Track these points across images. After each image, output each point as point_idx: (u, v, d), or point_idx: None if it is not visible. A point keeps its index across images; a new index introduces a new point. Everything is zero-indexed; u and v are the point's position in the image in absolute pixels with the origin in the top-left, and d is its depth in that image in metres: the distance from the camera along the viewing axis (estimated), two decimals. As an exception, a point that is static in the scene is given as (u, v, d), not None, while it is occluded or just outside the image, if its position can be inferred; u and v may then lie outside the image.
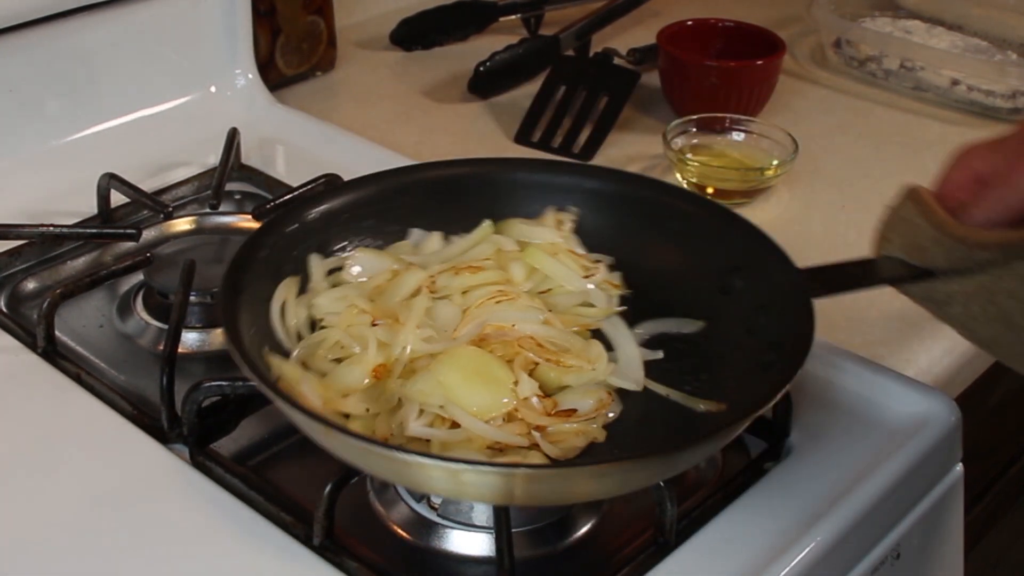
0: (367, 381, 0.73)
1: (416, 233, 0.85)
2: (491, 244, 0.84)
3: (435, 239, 0.85)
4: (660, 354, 0.79)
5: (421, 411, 0.71)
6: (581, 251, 0.84)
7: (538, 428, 0.71)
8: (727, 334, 0.78)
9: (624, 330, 0.80)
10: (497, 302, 0.77)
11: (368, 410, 0.72)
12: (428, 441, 0.70)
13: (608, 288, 0.82)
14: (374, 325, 0.75)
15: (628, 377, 0.77)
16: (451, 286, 0.79)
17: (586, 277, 0.82)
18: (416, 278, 0.79)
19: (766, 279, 0.77)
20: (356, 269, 0.81)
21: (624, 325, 0.80)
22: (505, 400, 0.71)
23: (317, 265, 0.81)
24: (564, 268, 0.82)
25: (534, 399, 0.72)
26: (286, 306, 0.77)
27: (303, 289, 0.79)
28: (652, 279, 0.83)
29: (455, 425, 0.70)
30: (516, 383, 0.73)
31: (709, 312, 0.80)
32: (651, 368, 0.78)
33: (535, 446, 0.71)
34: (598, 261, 0.84)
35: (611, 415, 0.74)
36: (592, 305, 0.81)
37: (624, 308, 0.82)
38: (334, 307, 0.78)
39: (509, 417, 0.71)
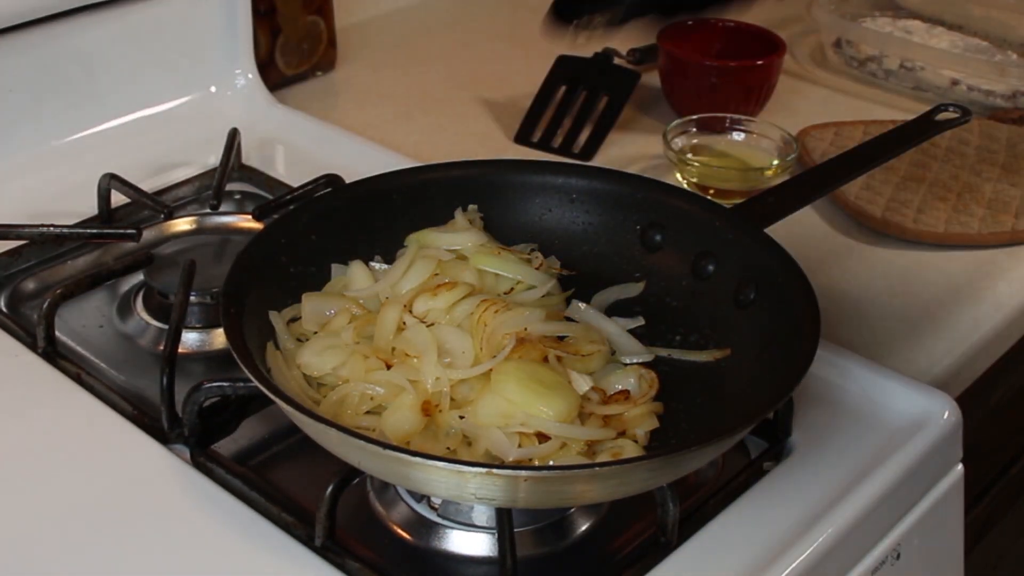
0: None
1: (337, 267, 0.83)
2: (429, 260, 0.81)
3: (360, 268, 0.82)
4: (642, 320, 0.81)
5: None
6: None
7: (607, 418, 0.72)
8: (676, 288, 0.83)
9: (591, 311, 0.81)
10: (496, 311, 0.76)
11: (449, 448, 0.70)
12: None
13: (553, 273, 0.84)
14: (389, 368, 0.73)
15: (630, 351, 0.78)
16: (435, 307, 0.77)
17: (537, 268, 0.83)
18: (395, 311, 0.77)
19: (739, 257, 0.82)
20: (310, 316, 0.78)
21: (586, 306, 0.82)
22: (573, 399, 0.71)
23: (277, 319, 0.77)
24: (520, 265, 0.82)
25: (592, 392, 0.73)
26: (273, 374, 0.73)
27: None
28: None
29: (541, 438, 0.70)
30: (570, 382, 0.73)
31: (646, 271, 0.84)
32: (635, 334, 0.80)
33: (621, 434, 0.71)
34: (533, 250, 0.85)
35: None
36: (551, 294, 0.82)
37: (573, 290, 0.83)
38: (323, 362, 0.75)
39: (580, 410, 0.72)
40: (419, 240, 0.84)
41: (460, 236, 0.84)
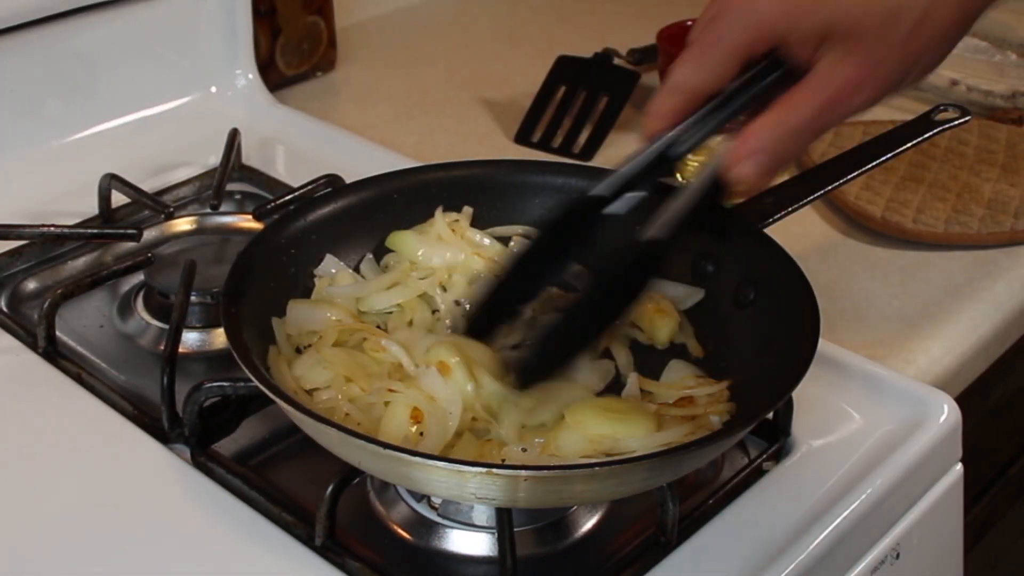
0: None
1: (330, 260, 0.83)
2: (410, 288, 0.82)
3: (346, 278, 0.82)
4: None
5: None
6: (488, 241, 0.85)
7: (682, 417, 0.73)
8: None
9: None
10: None
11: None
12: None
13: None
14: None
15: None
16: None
17: None
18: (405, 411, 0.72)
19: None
20: (294, 325, 0.78)
21: None
22: (650, 415, 0.72)
23: (279, 327, 0.77)
24: None
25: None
26: (273, 373, 0.73)
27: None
28: None
29: None
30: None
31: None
32: None
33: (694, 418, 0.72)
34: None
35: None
36: None
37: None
38: (316, 376, 0.74)
39: (659, 425, 0.72)
40: (397, 244, 0.84)
41: (439, 249, 0.84)
